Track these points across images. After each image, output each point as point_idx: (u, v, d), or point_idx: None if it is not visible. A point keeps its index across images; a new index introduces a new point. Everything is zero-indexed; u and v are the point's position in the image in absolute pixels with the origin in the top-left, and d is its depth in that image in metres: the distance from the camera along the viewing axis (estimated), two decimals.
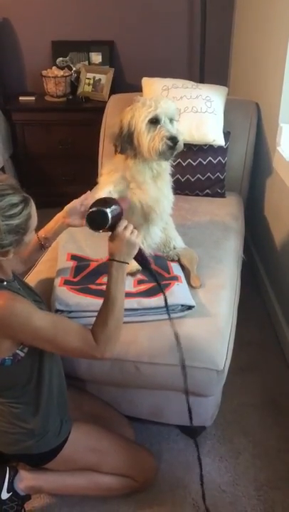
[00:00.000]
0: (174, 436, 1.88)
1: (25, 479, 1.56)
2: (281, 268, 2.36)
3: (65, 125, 3.27)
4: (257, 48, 2.68)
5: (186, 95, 2.40)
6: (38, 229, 1.43)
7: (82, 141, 3.20)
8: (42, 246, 1.63)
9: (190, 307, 1.68)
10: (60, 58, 3.38)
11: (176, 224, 2.02)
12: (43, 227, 1.63)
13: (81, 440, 1.54)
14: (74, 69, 3.39)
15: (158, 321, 1.65)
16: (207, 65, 3.33)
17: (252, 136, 2.56)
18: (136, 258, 1.43)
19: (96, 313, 1.51)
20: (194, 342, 1.60)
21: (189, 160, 2.42)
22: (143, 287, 1.73)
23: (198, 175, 2.45)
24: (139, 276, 1.77)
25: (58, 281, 1.76)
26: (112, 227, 1.35)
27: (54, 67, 3.35)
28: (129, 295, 1.64)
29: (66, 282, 1.75)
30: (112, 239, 1.37)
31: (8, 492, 1.53)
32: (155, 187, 1.76)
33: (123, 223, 1.37)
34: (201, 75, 3.34)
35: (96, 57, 3.42)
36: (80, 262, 1.87)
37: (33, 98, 3.34)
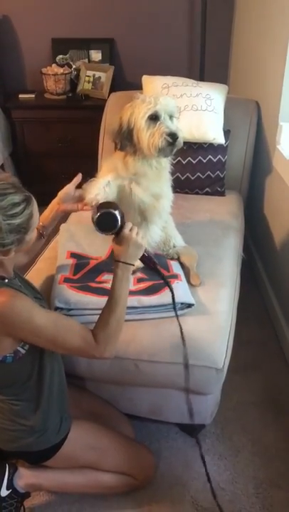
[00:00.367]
0: (173, 434, 1.88)
1: (25, 477, 1.56)
2: (280, 266, 2.36)
3: (64, 123, 3.26)
4: (257, 46, 2.68)
5: (187, 93, 2.40)
6: None
7: (81, 139, 3.19)
8: (41, 235, 1.63)
9: (190, 305, 1.68)
10: (60, 56, 3.37)
11: (175, 222, 2.02)
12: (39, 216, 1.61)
13: (81, 438, 1.54)
14: (74, 66, 3.38)
15: (158, 319, 1.66)
16: (207, 63, 3.33)
17: (252, 135, 2.56)
18: (141, 259, 1.45)
19: (96, 311, 1.52)
20: (194, 340, 1.60)
21: (189, 158, 2.42)
22: (143, 285, 1.73)
23: (198, 173, 2.45)
24: (139, 275, 1.77)
25: (57, 278, 1.76)
26: (119, 230, 1.37)
27: (54, 65, 3.34)
28: (129, 293, 1.64)
29: (66, 280, 1.75)
30: (117, 241, 1.39)
31: (7, 489, 1.53)
32: (155, 185, 1.76)
33: (129, 225, 1.39)
34: (201, 73, 3.34)
35: (96, 55, 3.41)
36: (80, 260, 1.87)
37: (33, 96, 3.33)
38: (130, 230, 1.38)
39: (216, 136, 2.39)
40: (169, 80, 2.46)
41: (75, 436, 1.53)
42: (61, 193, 1.60)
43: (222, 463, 1.79)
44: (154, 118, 1.62)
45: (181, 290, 1.71)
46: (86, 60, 3.42)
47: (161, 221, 1.86)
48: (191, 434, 1.86)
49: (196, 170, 2.45)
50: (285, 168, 2.19)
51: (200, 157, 2.43)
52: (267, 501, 1.67)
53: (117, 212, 1.35)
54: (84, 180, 1.65)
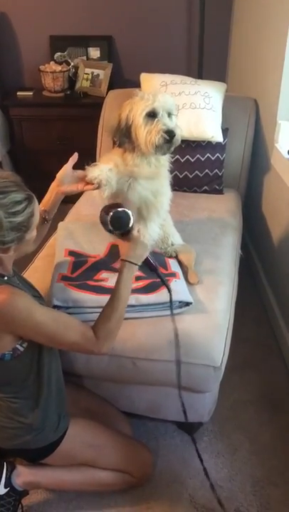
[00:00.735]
0: (170, 432, 1.89)
1: (23, 475, 1.57)
2: (279, 265, 2.36)
3: (63, 120, 3.26)
4: (256, 44, 2.68)
5: (185, 91, 2.39)
6: None
7: (80, 136, 3.19)
8: (44, 220, 1.62)
9: (188, 304, 1.68)
10: (58, 53, 3.36)
11: (174, 220, 2.02)
12: (41, 202, 1.60)
13: (78, 435, 1.55)
14: (72, 64, 3.37)
15: (156, 318, 1.66)
16: (206, 61, 3.32)
17: (250, 133, 2.56)
18: (144, 261, 1.48)
19: (94, 309, 1.52)
20: (192, 338, 1.60)
21: (187, 156, 2.42)
22: (141, 283, 1.73)
23: (197, 171, 2.45)
24: (137, 273, 1.77)
25: (55, 277, 1.76)
26: (129, 230, 1.41)
27: (52, 62, 3.33)
28: None
29: (64, 278, 1.75)
30: (126, 240, 1.42)
31: (5, 487, 1.54)
32: (153, 182, 1.76)
33: (137, 226, 1.42)
34: (200, 71, 3.33)
35: (94, 53, 3.41)
36: (78, 258, 1.87)
37: (31, 93, 3.32)
38: (138, 231, 1.43)
39: (214, 134, 2.39)
40: (168, 77, 2.46)
41: (73, 433, 1.53)
42: (59, 174, 1.59)
43: (219, 461, 1.79)
44: (152, 115, 1.62)
45: (179, 288, 1.71)
46: (84, 58, 3.41)
47: (160, 219, 1.86)
48: (189, 432, 1.86)
49: (194, 168, 2.45)
50: (283, 167, 2.19)
51: (198, 155, 2.43)
52: (264, 499, 1.67)
53: (130, 213, 1.38)
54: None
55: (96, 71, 3.32)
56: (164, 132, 1.61)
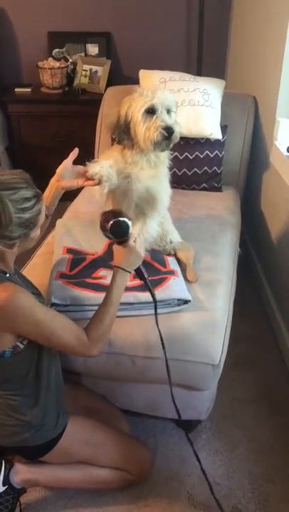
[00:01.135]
0: (169, 429, 1.89)
1: (21, 472, 1.57)
2: (277, 262, 2.36)
3: (61, 117, 3.25)
4: (255, 41, 2.67)
5: (184, 88, 2.39)
6: None
7: (78, 133, 3.18)
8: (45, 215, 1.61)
9: (186, 301, 1.68)
10: (57, 49, 3.35)
11: (172, 218, 2.01)
12: None
13: (77, 433, 1.55)
14: (70, 60, 3.36)
15: (153, 315, 1.65)
16: (205, 58, 3.32)
17: (249, 130, 2.55)
18: (135, 270, 1.50)
19: (92, 307, 1.52)
20: (190, 336, 1.60)
21: (186, 154, 2.41)
22: (139, 281, 1.71)
23: (195, 169, 2.45)
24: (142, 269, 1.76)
25: (53, 274, 1.76)
26: (126, 238, 1.44)
27: (50, 59, 3.32)
28: (125, 289, 1.63)
29: (62, 276, 1.75)
30: (122, 247, 1.44)
31: (3, 485, 1.53)
32: (153, 179, 1.75)
33: (133, 236, 1.45)
34: (199, 68, 3.32)
35: (93, 49, 3.39)
36: (76, 256, 1.87)
37: (29, 90, 3.31)
38: (134, 240, 1.45)
39: (213, 131, 2.38)
40: (166, 74, 2.45)
41: (72, 431, 1.53)
42: (59, 169, 1.58)
43: (218, 458, 1.79)
44: (151, 111, 1.61)
45: (178, 286, 1.71)
46: (83, 54, 3.40)
47: (159, 216, 1.85)
48: (188, 430, 1.86)
49: (193, 165, 2.44)
50: (282, 164, 2.19)
51: (197, 152, 2.42)
52: (262, 496, 1.67)
53: (129, 222, 1.41)
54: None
55: (94, 68, 3.31)
56: (163, 129, 1.60)
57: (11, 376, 1.39)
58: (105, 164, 1.61)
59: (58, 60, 3.31)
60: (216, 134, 2.39)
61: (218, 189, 2.51)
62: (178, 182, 2.41)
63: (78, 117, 3.20)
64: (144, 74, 2.51)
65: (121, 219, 1.40)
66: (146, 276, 1.53)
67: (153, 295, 1.54)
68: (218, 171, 2.48)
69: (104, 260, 1.82)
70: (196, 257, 1.92)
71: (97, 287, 1.67)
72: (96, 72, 3.30)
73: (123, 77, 3.43)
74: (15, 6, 3.29)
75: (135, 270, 1.51)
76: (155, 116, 1.62)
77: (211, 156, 2.43)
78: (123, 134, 1.66)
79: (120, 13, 3.32)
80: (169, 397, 1.69)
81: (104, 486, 1.64)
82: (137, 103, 1.61)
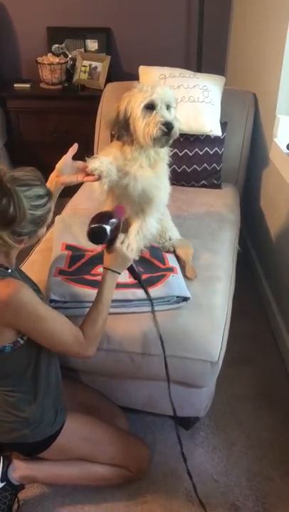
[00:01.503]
0: (167, 426, 1.88)
1: (19, 469, 1.57)
2: (276, 260, 2.36)
3: (60, 113, 3.23)
4: (255, 38, 2.66)
5: (184, 84, 2.38)
6: None
7: (77, 129, 3.17)
8: None
9: (185, 298, 1.67)
10: (56, 45, 3.33)
11: (172, 215, 2.01)
12: None
13: (75, 430, 1.54)
14: (70, 56, 3.34)
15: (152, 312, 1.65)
16: (205, 54, 3.30)
17: (249, 127, 2.55)
18: (128, 269, 1.52)
19: (91, 304, 1.51)
20: (189, 333, 1.60)
21: (186, 150, 2.40)
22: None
23: (195, 165, 2.44)
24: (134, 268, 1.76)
25: (52, 271, 1.75)
26: (111, 241, 1.44)
27: (50, 54, 3.30)
28: (124, 286, 1.64)
29: (61, 272, 1.74)
30: (109, 250, 1.46)
31: (1, 481, 1.54)
32: (152, 176, 1.74)
33: (120, 238, 1.45)
34: (199, 64, 3.31)
35: (92, 45, 3.37)
36: (75, 252, 1.86)
37: (28, 85, 3.30)
38: (122, 242, 1.46)
39: (212, 128, 2.37)
40: (166, 70, 2.44)
41: (70, 428, 1.53)
42: (59, 165, 1.58)
43: (216, 455, 1.80)
44: (151, 107, 1.61)
45: (177, 283, 1.71)
46: (82, 50, 3.38)
47: (158, 213, 1.85)
48: (186, 427, 1.86)
49: (192, 162, 2.44)
50: (281, 161, 2.18)
51: (196, 149, 2.42)
52: (260, 493, 1.68)
53: (108, 227, 1.41)
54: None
55: (94, 63, 3.29)
56: (162, 124, 1.59)
57: (10, 372, 1.39)
58: (105, 160, 1.60)
59: (58, 55, 3.30)
60: (216, 130, 2.39)
61: (218, 186, 2.50)
62: (177, 179, 2.40)
63: (77, 113, 3.19)
64: (143, 70, 2.50)
65: (96, 226, 1.41)
66: (140, 275, 1.55)
67: (147, 293, 1.56)
68: (218, 168, 2.47)
69: (104, 257, 1.81)
70: (196, 254, 1.91)
71: (96, 284, 1.65)
72: (95, 68, 3.29)
73: (123, 73, 3.41)
74: (14, 0, 3.26)
75: (129, 269, 1.52)
76: (155, 111, 1.61)
77: (211, 152, 2.43)
78: (122, 130, 1.66)
79: (120, 9, 3.30)
80: (167, 394, 1.69)
81: (103, 483, 1.64)
82: (136, 99, 1.60)
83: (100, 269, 1.76)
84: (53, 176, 1.59)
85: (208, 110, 2.36)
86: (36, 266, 1.87)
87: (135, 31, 3.36)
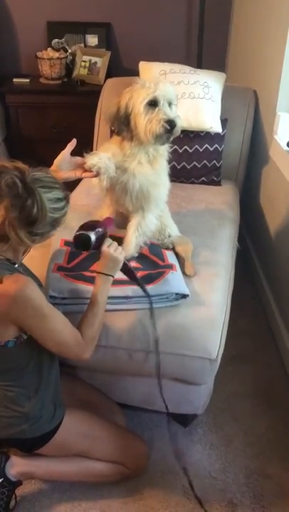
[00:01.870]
0: (165, 424, 1.88)
1: (17, 465, 1.57)
2: (275, 257, 2.35)
3: (59, 108, 3.21)
4: (256, 34, 2.64)
5: (184, 80, 2.37)
6: None
7: (77, 124, 3.14)
8: None
9: (184, 296, 1.67)
10: (56, 40, 3.31)
11: (171, 212, 2.00)
12: None
13: (74, 426, 1.54)
14: (70, 51, 3.32)
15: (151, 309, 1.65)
16: (205, 50, 3.28)
17: (249, 124, 2.54)
18: (122, 270, 1.54)
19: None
20: (188, 330, 1.59)
21: (186, 147, 2.40)
22: (139, 274, 1.70)
23: (195, 162, 2.43)
24: (134, 264, 1.76)
25: (51, 267, 1.75)
26: (98, 247, 1.47)
27: (49, 49, 3.28)
28: (123, 282, 1.63)
29: (60, 268, 1.74)
30: (99, 256, 1.48)
31: None
32: (151, 172, 1.74)
33: (107, 242, 1.48)
34: (199, 60, 3.29)
35: (92, 40, 3.35)
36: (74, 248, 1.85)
37: (28, 80, 3.27)
38: (109, 246, 1.47)
39: (213, 124, 2.36)
40: (167, 66, 2.43)
41: (69, 424, 1.53)
42: (57, 160, 1.57)
43: (213, 452, 1.80)
44: (153, 104, 1.59)
45: (176, 280, 1.70)
46: (82, 45, 3.36)
47: (158, 210, 1.84)
48: (184, 424, 1.86)
49: (192, 159, 2.43)
50: (281, 159, 2.18)
51: (196, 146, 2.41)
52: (257, 491, 1.68)
53: (92, 235, 1.44)
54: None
55: (94, 59, 3.27)
56: (165, 122, 1.58)
57: (11, 366, 1.39)
58: (103, 156, 1.59)
59: (57, 50, 3.28)
60: (216, 127, 2.38)
61: (217, 183, 2.50)
62: (177, 175, 2.39)
63: (77, 108, 3.17)
64: (144, 66, 2.49)
65: (81, 233, 1.44)
66: (134, 274, 1.56)
67: (145, 290, 1.57)
68: (218, 165, 2.46)
69: None
70: (195, 252, 1.91)
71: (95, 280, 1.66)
72: (95, 63, 3.27)
73: (123, 68, 3.39)
74: None
75: (123, 270, 1.54)
76: (157, 108, 1.60)
77: (211, 149, 2.42)
78: (122, 125, 1.64)
79: (120, 4, 3.28)
80: (165, 391, 1.69)
81: (100, 480, 1.64)
82: (138, 95, 1.59)
83: None
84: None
85: (209, 107, 2.35)
86: (35, 262, 1.85)
87: (135, 27, 3.34)
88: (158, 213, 1.84)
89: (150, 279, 1.69)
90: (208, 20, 3.20)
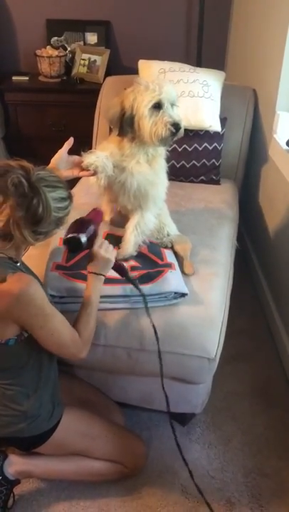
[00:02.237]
0: (164, 422, 1.88)
1: (15, 464, 1.56)
2: (274, 256, 2.35)
3: (58, 106, 3.21)
4: (256, 33, 2.64)
5: (183, 79, 2.36)
6: None
7: (76, 123, 3.14)
8: None
9: (183, 295, 1.67)
10: (55, 38, 3.30)
11: (170, 210, 2.00)
12: None
13: (72, 425, 1.54)
14: (69, 49, 3.31)
15: (150, 308, 1.64)
16: (205, 49, 3.28)
17: (248, 123, 2.54)
18: (114, 269, 1.55)
19: None
20: (186, 330, 1.59)
21: (185, 146, 2.39)
22: (137, 274, 1.71)
23: (194, 161, 2.43)
24: (132, 263, 1.76)
25: (50, 265, 1.74)
26: (91, 246, 1.47)
27: (48, 47, 3.28)
28: (122, 281, 1.63)
29: (58, 267, 1.74)
30: (90, 256, 1.48)
31: None
32: (149, 171, 1.73)
33: (98, 242, 1.48)
34: (198, 59, 3.29)
35: (92, 38, 3.35)
36: None
37: (27, 78, 3.27)
38: (100, 246, 1.47)
39: (212, 123, 2.36)
40: (166, 65, 2.42)
41: (67, 423, 1.52)
42: (54, 159, 1.57)
43: (212, 451, 1.80)
44: (157, 106, 1.59)
45: (175, 279, 1.70)
46: (81, 43, 3.36)
47: (156, 208, 1.84)
48: (182, 423, 1.86)
49: (191, 158, 2.42)
50: (281, 158, 2.17)
51: (196, 145, 2.41)
52: (255, 490, 1.68)
53: (83, 237, 1.44)
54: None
55: (93, 57, 3.27)
56: (171, 125, 1.58)
57: (11, 364, 1.39)
58: (101, 155, 1.59)
59: (57, 48, 3.27)
60: (215, 126, 2.37)
61: (217, 182, 2.49)
62: (176, 174, 2.39)
63: (76, 107, 3.17)
64: (143, 64, 2.49)
65: (71, 236, 1.44)
66: (126, 272, 1.57)
67: (138, 288, 1.57)
68: (217, 164, 2.46)
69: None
70: (194, 250, 1.91)
71: None
72: (95, 61, 3.27)
73: (122, 66, 3.39)
74: None
75: (115, 269, 1.54)
76: (162, 111, 1.59)
77: (210, 148, 2.42)
78: (128, 126, 1.64)
79: (120, 2, 3.28)
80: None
81: (99, 478, 1.64)
82: (143, 97, 1.58)
83: None
84: None
85: (208, 105, 2.35)
86: (33, 260, 1.85)
87: (135, 25, 3.34)
88: (156, 212, 1.84)
89: (149, 277, 1.69)
90: (208, 18, 3.20)
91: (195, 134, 2.40)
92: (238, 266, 2.16)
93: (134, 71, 2.52)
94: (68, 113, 3.20)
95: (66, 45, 3.32)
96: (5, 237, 1.28)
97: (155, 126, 1.59)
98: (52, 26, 3.32)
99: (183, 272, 1.79)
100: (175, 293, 1.66)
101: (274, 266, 2.35)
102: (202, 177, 2.47)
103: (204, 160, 2.44)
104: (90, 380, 1.76)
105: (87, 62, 3.28)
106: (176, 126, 1.59)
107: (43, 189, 1.25)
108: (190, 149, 2.41)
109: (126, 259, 1.76)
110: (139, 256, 1.80)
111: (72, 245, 1.46)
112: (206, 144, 2.41)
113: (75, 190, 2.36)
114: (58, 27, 3.32)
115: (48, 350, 1.39)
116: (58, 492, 1.65)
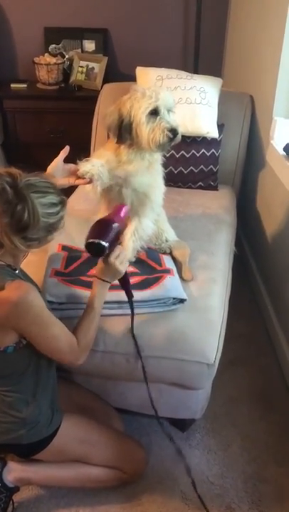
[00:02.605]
0: (164, 428, 1.87)
1: (14, 471, 1.56)
2: (272, 262, 2.36)
3: (57, 113, 3.22)
4: (252, 39, 2.66)
5: (181, 86, 2.38)
6: None
7: (74, 130, 3.15)
8: None
9: (182, 300, 1.67)
10: (53, 45, 3.32)
11: (168, 216, 2.01)
12: None
13: (71, 431, 1.54)
14: (67, 56, 3.33)
15: (150, 314, 1.65)
16: (202, 56, 3.30)
17: (246, 129, 2.55)
18: (119, 280, 1.53)
19: None
20: (185, 335, 1.59)
21: (182, 152, 2.40)
22: (136, 279, 1.71)
23: (191, 167, 2.44)
24: (131, 269, 1.76)
25: (48, 272, 1.75)
26: (110, 251, 1.44)
27: (46, 54, 3.29)
28: (118, 287, 1.62)
29: (57, 273, 1.74)
30: (104, 260, 1.46)
31: None
32: (147, 177, 1.74)
33: (116, 252, 1.44)
34: (196, 66, 3.31)
35: (89, 45, 3.37)
36: (71, 253, 1.86)
37: (25, 85, 3.29)
38: (116, 257, 1.44)
39: (209, 129, 2.37)
40: (163, 72, 2.44)
41: (66, 429, 1.52)
42: (50, 167, 1.58)
43: (211, 457, 1.79)
44: (154, 113, 1.61)
45: (174, 285, 1.70)
46: (79, 50, 3.38)
47: (154, 214, 1.85)
48: (182, 429, 1.86)
49: (189, 164, 2.43)
50: (278, 163, 2.18)
51: (193, 151, 2.42)
52: (255, 496, 1.67)
53: (106, 244, 1.40)
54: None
55: (91, 64, 3.29)
56: (168, 131, 1.60)
57: (10, 371, 1.39)
58: (97, 163, 1.60)
59: (55, 55, 3.29)
60: (213, 132, 2.39)
61: (214, 188, 2.50)
62: (174, 180, 2.40)
63: (74, 114, 3.18)
64: (140, 71, 2.50)
65: (95, 241, 1.40)
66: (128, 286, 1.55)
67: (129, 297, 1.55)
68: (215, 170, 2.47)
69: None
70: (192, 256, 1.91)
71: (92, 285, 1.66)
72: (92, 68, 3.28)
73: (120, 74, 3.40)
74: (11, 0, 3.25)
75: (120, 280, 1.52)
76: (159, 117, 1.61)
77: (208, 154, 2.43)
78: (126, 133, 1.65)
79: (117, 10, 3.30)
80: (162, 396, 1.69)
81: (98, 485, 1.63)
82: (140, 104, 1.60)
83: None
84: None
85: (205, 112, 2.36)
86: (32, 267, 1.85)
87: (132, 32, 3.36)
88: (154, 217, 1.84)
89: (148, 283, 1.69)
90: (205, 25, 3.23)
91: (193, 141, 2.41)
92: (237, 271, 2.17)
93: (132, 78, 2.53)
94: (66, 120, 3.22)
95: (64, 52, 3.34)
96: None
97: (153, 133, 1.60)
98: (50, 34, 3.34)
99: (181, 278, 1.79)
100: (174, 298, 1.66)
101: (272, 271, 2.36)
102: (200, 183, 2.48)
103: (202, 166, 2.45)
104: (89, 386, 1.75)
105: (85, 70, 3.30)
106: (173, 131, 1.61)
107: (30, 195, 1.23)
108: (188, 155, 2.42)
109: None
110: (138, 262, 1.81)
111: (93, 252, 1.43)
112: (203, 150, 2.42)
113: (73, 197, 2.38)
114: (56, 35, 3.34)
115: (46, 356, 1.39)
116: (57, 499, 1.65)
